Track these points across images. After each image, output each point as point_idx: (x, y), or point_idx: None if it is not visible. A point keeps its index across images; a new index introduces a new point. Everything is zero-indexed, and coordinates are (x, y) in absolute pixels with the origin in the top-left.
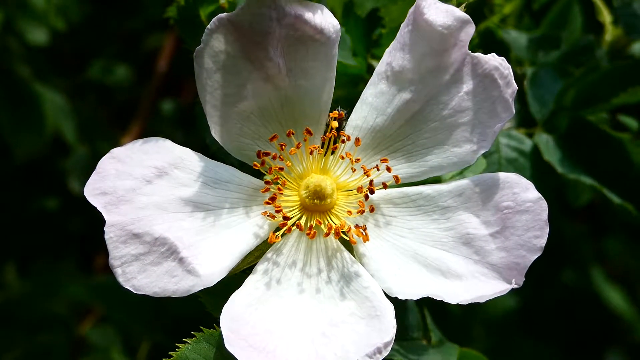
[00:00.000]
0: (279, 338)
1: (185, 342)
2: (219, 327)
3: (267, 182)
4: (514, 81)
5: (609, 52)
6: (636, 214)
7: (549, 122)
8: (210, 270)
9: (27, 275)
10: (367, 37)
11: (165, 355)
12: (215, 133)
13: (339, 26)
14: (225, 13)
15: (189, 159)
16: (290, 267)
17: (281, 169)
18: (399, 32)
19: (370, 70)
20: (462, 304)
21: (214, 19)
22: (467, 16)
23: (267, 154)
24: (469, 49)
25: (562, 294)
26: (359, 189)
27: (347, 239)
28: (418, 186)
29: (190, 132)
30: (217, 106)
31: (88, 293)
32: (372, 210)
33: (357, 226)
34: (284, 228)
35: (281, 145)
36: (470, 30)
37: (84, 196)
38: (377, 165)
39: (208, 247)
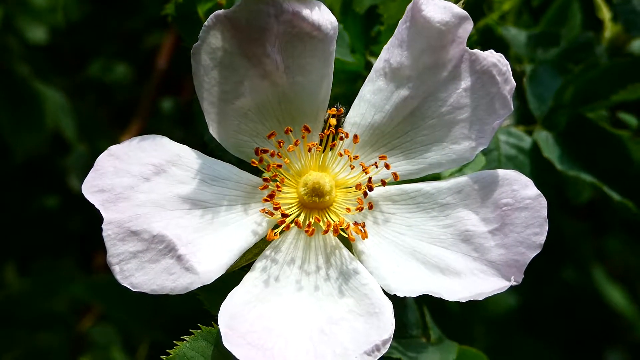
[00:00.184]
0: (277, 335)
1: (183, 340)
2: (217, 325)
3: (265, 180)
4: (512, 78)
5: (608, 49)
6: (636, 211)
7: (548, 119)
8: (209, 267)
9: (27, 274)
10: (365, 34)
11: (165, 353)
12: (213, 130)
13: (336, 23)
14: (222, 10)
15: (187, 156)
16: (288, 264)
17: (279, 166)
18: (396, 29)
19: (369, 67)
20: (460, 301)
21: (211, 16)
22: (465, 12)
23: (265, 151)
24: (467, 46)
25: (562, 292)
26: (358, 186)
27: (346, 236)
28: (417, 183)
29: (190, 130)
30: (214, 103)
31: (88, 292)
32: (370, 207)
33: (355, 223)
34: (283, 225)
35: (279, 143)
36: (468, 26)
37: (84, 195)
38: (375, 163)
39: (206, 245)
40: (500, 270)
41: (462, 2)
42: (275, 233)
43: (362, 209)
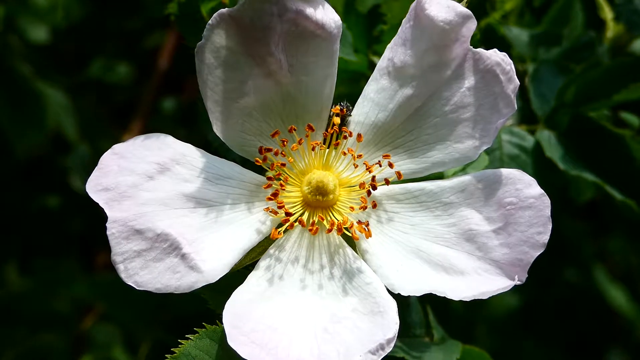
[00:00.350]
0: (281, 334)
1: (187, 339)
2: (222, 324)
3: (269, 178)
4: (516, 77)
5: (610, 49)
6: (638, 210)
7: (550, 119)
8: (213, 266)
9: (29, 273)
10: (368, 33)
11: (167, 352)
12: (217, 129)
13: (340, 22)
14: (226, 8)
15: (191, 155)
16: (292, 263)
17: (283, 164)
18: (400, 28)
19: (372, 66)
20: (464, 300)
21: (215, 15)
22: (468, 12)
23: (269, 150)
24: (471, 45)
25: (564, 292)
26: (362, 185)
27: (350, 235)
28: (420, 182)
29: (192, 130)
30: (218, 102)
31: (89, 291)
32: (374, 206)
33: (359, 222)
34: (287, 224)
35: (283, 141)
36: (472, 25)
37: (85, 194)
38: (379, 161)
39: (210, 243)
40: (504, 270)
41: (465, 1)
42: (279, 232)
43: (365, 207)
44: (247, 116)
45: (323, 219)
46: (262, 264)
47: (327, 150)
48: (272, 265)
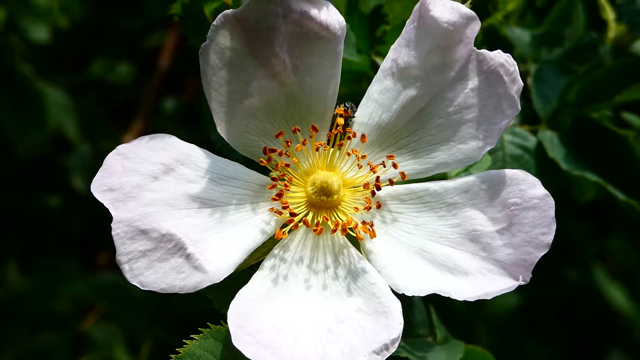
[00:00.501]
0: (286, 334)
1: (192, 338)
2: (226, 324)
3: (273, 179)
4: (519, 78)
5: (612, 49)
6: None
7: (553, 119)
8: (218, 266)
9: (29, 273)
10: (371, 34)
11: (167, 352)
12: (221, 129)
13: (344, 23)
14: (230, 9)
15: (195, 156)
16: (297, 263)
17: (287, 165)
18: (404, 29)
19: (374, 67)
20: (468, 300)
21: (219, 15)
22: (472, 13)
23: (274, 151)
24: (474, 46)
25: (565, 292)
26: (366, 186)
27: (354, 235)
28: (424, 183)
29: (192, 129)
30: (222, 102)
31: (90, 291)
32: (378, 206)
33: (364, 222)
34: (291, 224)
35: (287, 142)
36: (476, 26)
37: (87, 194)
38: (383, 162)
39: (215, 244)
40: (508, 270)
41: (469, 2)
42: (283, 232)
43: (370, 208)
44: (251, 117)
45: (327, 220)
46: (267, 264)
47: (331, 150)
48: (277, 265)
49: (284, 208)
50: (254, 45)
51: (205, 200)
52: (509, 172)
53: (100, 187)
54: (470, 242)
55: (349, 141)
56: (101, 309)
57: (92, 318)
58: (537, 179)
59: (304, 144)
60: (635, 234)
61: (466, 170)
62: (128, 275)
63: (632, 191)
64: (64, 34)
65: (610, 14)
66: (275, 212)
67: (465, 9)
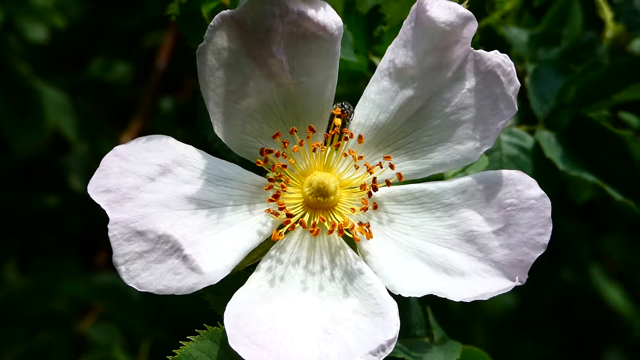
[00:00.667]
0: (282, 336)
1: (189, 340)
2: (223, 325)
3: (270, 180)
4: (516, 78)
5: (609, 49)
6: (638, 210)
7: (550, 119)
8: (214, 267)
9: (28, 273)
10: (368, 34)
11: (166, 353)
12: (217, 130)
13: (341, 23)
14: (228, 10)
15: (192, 157)
16: (293, 264)
17: (284, 166)
18: (401, 29)
19: (372, 67)
20: (465, 301)
21: (217, 16)
22: (469, 13)
23: (270, 152)
24: (471, 46)
25: (561, 292)
26: (362, 187)
27: (351, 236)
28: (421, 183)
29: (190, 129)
30: (219, 103)
31: (88, 291)
32: (375, 207)
33: (360, 223)
34: (288, 225)
35: (284, 143)
36: (473, 27)
37: (85, 193)
38: (380, 163)
39: (211, 245)
40: (504, 271)
41: (466, 2)
42: (280, 233)
43: (366, 209)
44: (248, 117)
45: (324, 221)
46: (263, 265)
47: (328, 151)
48: (273, 266)
49: (281, 209)
50: (251, 45)
51: (201, 201)
52: (506, 172)
53: (97, 189)
54: (466, 242)
55: (346, 142)
56: (100, 309)
57: (90, 318)
58: (533, 180)
59: (301, 144)
60: (632, 233)
61: (463, 171)
62: (125, 277)
63: (629, 191)
64: (62, 34)
65: (607, 14)
66: (271, 213)
67: (462, 9)
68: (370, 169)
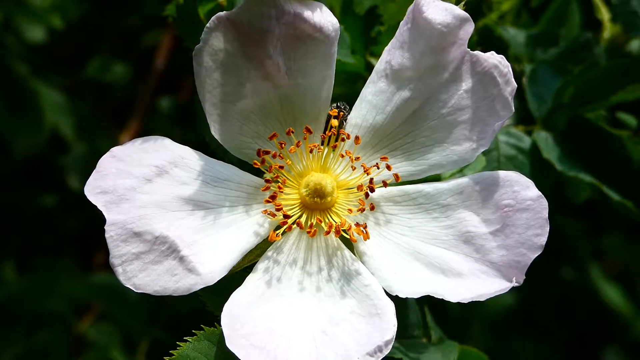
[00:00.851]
0: (279, 337)
1: (186, 341)
2: (220, 326)
3: (267, 181)
4: (513, 79)
5: (607, 50)
6: (635, 211)
7: (547, 120)
8: (211, 268)
9: (26, 273)
10: (365, 34)
11: (165, 353)
12: (214, 131)
13: (338, 24)
14: (224, 11)
15: (189, 158)
16: (290, 265)
17: (281, 167)
18: (398, 30)
19: (369, 68)
20: (462, 302)
21: (213, 18)
22: (466, 14)
23: (267, 153)
24: (468, 47)
25: (560, 291)
26: (359, 187)
27: (348, 237)
28: (418, 184)
29: (188, 129)
30: (216, 104)
31: (87, 291)
32: (372, 208)
33: (357, 224)
34: (285, 226)
35: (281, 144)
36: (470, 28)
37: (83, 194)
38: (377, 164)
39: (208, 246)
40: (501, 272)
41: (462, 3)
42: (277, 234)
43: (363, 210)
44: (245, 119)
45: (321, 221)
46: (260, 266)
47: (325, 152)
48: (270, 267)
49: (278, 210)
50: (248, 47)
51: (198, 202)
52: (503, 173)
53: (94, 190)
54: (463, 243)
55: (342, 143)
56: (98, 309)
57: (89, 318)
58: (530, 181)
59: (297, 145)
60: (630, 233)
61: (460, 172)
62: (122, 278)
63: (626, 192)
64: (60, 34)
65: (605, 14)
66: (268, 214)
67: (459, 11)
68: (367, 170)
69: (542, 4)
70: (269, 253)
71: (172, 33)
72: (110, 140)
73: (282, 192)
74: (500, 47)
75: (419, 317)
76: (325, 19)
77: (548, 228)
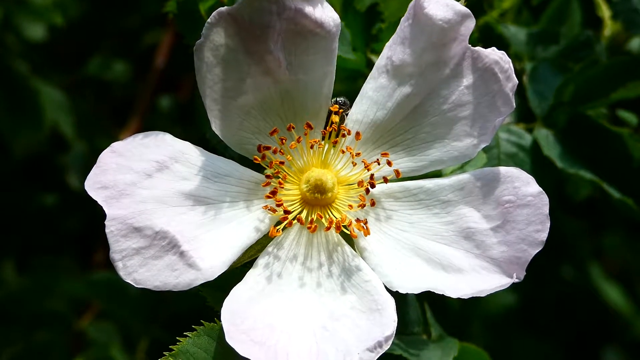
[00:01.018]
0: (280, 332)
1: (186, 336)
2: (220, 321)
3: (267, 176)
4: (514, 75)
5: (608, 47)
6: (636, 208)
7: (548, 117)
8: (211, 264)
9: (26, 272)
10: (366, 31)
11: (165, 350)
12: (215, 127)
13: (339, 20)
14: (225, 7)
15: (189, 153)
16: (291, 261)
17: (282, 162)
18: (399, 26)
19: (370, 64)
20: (462, 298)
21: (214, 13)
22: (467, 10)
23: (268, 148)
24: (469, 43)
25: (560, 290)
26: (360, 183)
27: (348, 232)
28: (419, 180)
29: (188, 127)
30: (217, 100)
31: (87, 289)
32: (373, 204)
33: (358, 220)
34: (285, 222)
35: (282, 139)
36: (471, 24)
37: (83, 192)
38: (377, 159)
39: (209, 241)
40: (502, 267)
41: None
42: (277, 230)
43: (364, 205)
44: (245, 114)
45: (322, 217)
46: (261, 261)
47: (326, 148)
48: (271, 263)
49: (278, 206)
50: (249, 42)
51: (199, 197)
52: (503, 169)
53: (94, 185)
54: (464, 239)
55: (343, 139)
56: (98, 308)
57: (89, 316)
58: (531, 177)
59: (298, 141)
60: (630, 231)
61: (461, 168)
62: (122, 273)
63: (627, 189)
64: (60, 32)
65: (606, 12)
66: (269, 209)
67: (460, 7)
68: (367, 166)
69: (543, 2)
70: (269, 249)
71: (172, 32)
72: (110, 138)
73: (282, 187)
74: (501, 45)
75: (419, 314)
76: (326, 14)
77: (549, 224)
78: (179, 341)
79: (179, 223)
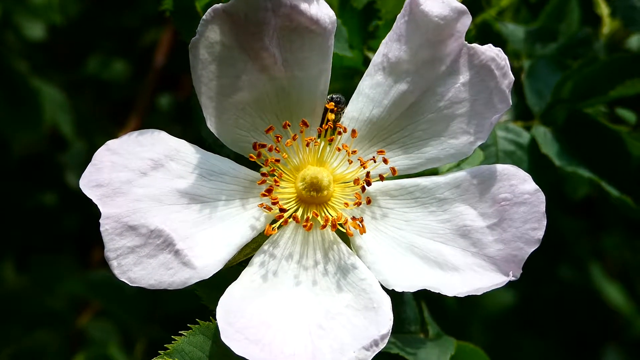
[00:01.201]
0: (275, 330)
1: (181, 335)
2: (215, 320)
3: (263, 174)
4: (510, 72)
5: (606, 45)
6: (635, 207)
7: (546, 115)
8: (206, 262)
9: (25, 270)
10: (363, 29)
11: (162, 349)
12: (210, 124)
13: (334, 17)
14: (220, 4)
15: (185, 151)
16: (286, 259)
17: (277, 160)
18: (395, 23)
19: (367, 62)
20: (459, 296)
21: (209, 10)
22: (463, 7)
23: (263, 146)
24: (466, 40)
25: (560, 289)
26: (356, 181)
27: (344, 231)
28: (415, 178)
29: (188, 126)
30: (212, 97)
31: (85, 288)
32: (368, 202)
33: (353, 218)
34: (281, 220)
35: (277, 137)
36: (467, 21)
37: (81, 190)
38: (373, 157)
39: (204, 240)
40: (498, 266)
41: None
42: (273, 228)
43: (360, 203)
44: (241, 112)
45: (317, 215)
46: (256, 260)
47: (322, 146)
48: (266, 261)
49: (274, 204)
50: (244, 39)
51: (194, 196)
52: (500, 167)
53: (89, 183)
54: (460, 237)
55: (339, 136)
56: (96, 306)
57: (87, 315)
58: (527, 174)
59: (294, 139)
60: (629, 230)
61: (458, 166)
62: (116, 271)
63: (625, 187)
64: (60, 32)
65: (604, 10)
66: (264, 207)
67: (456, 3)
68: (363, 164)
69: None
70: (265, 247)
71: (171, 30)
72: (109, 137)
73: (278, 185)
74: (499, 42)
75: (416, 312)
76: (321, 11)
77: (545, 222)
78: (175, 340)
79: (174, 221)
